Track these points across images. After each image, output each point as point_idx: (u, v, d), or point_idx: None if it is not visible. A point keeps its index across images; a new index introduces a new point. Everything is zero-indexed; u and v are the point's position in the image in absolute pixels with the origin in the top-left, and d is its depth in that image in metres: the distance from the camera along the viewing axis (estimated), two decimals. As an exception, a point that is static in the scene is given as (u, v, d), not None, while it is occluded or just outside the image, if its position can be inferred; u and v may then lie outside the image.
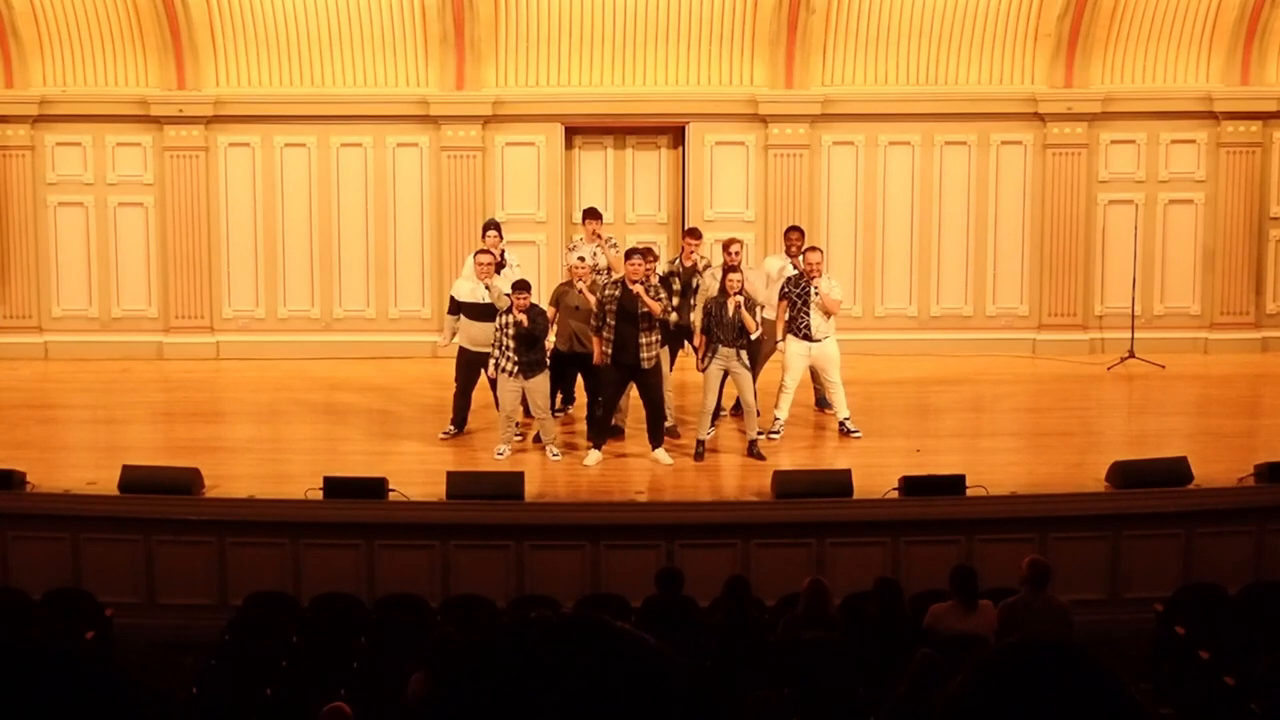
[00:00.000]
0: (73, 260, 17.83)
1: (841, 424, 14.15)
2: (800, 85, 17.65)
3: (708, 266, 14.28)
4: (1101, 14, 17.51)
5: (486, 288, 13.66)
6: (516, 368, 13.15)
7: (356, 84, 17.72)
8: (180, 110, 17.52)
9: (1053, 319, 17.95)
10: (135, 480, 12.18)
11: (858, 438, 14.00)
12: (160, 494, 12.12)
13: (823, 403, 14.82)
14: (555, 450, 13.44)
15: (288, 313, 17.89)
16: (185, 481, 12.23)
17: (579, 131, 18.04)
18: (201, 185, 17.67)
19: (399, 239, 17.84)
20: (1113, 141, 17.94)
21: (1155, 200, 18.00)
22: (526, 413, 13.71)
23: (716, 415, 13.88)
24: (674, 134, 18.09)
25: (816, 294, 13.70)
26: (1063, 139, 17.84)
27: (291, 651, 10.16)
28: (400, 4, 17.36)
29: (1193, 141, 17.97)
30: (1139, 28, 17.74)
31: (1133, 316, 17.15)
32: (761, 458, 13.25)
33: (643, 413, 13.36)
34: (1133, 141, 17.96)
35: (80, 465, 13.54)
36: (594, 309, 13.26)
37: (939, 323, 17.99)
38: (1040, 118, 17.80)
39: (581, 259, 13.83)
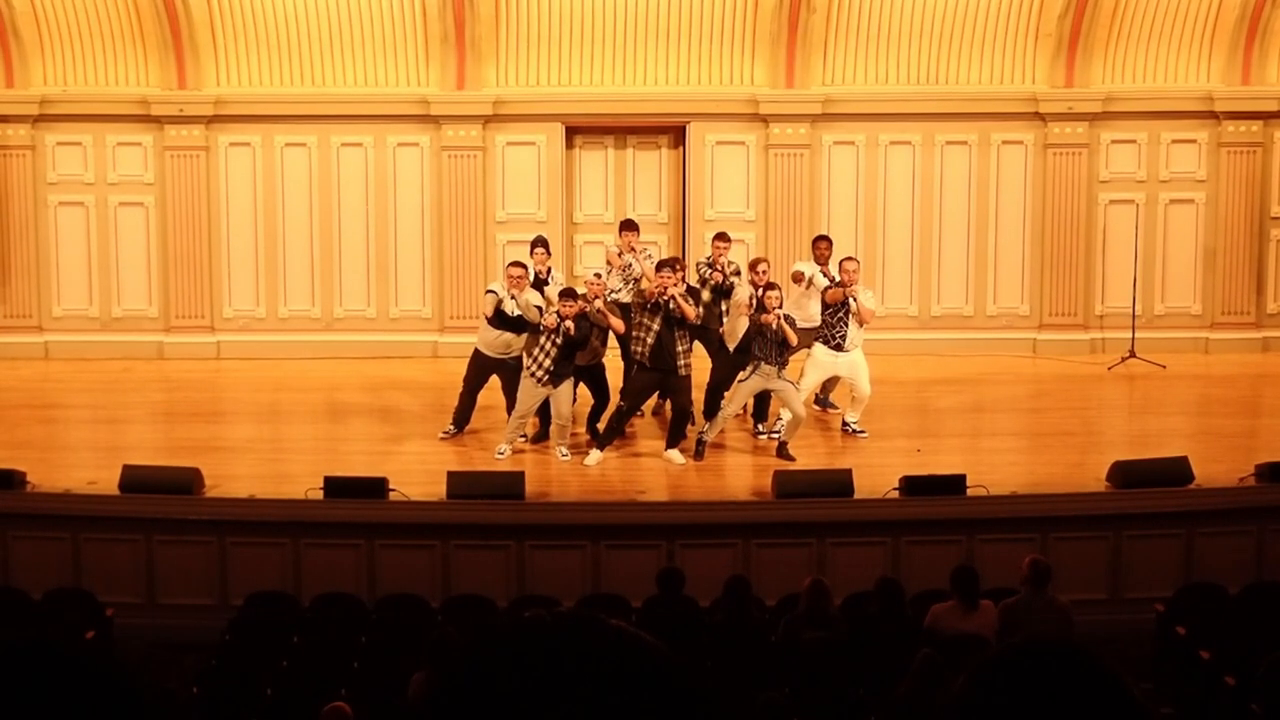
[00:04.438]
0: (73, 260, 17.83)
1: (846, 424, 14.15)
2: (801, 85, 17.65)
3: (736, 273, 14.23)
4: (1102, 14, 17.51)
5: (513, 298, 13.60)
6: (548, 376, 13.14)
7: (357, 84, 17.72)
8: (181, 110, 17.52)
9: (1053, 319, 17.96)
10: (135, 480, 12.18)
11: (864, 437, 14.01)
12: (160, 494, 12.11)
13: (824, 403, 14.82)
14: (565, 450, 13.44)
15: (288, 312, 17.89)
16: (185, 481, 12.23)
17: (579, 131, 18.04)
18: (202, 185, 17.67)
19: (400, 239, 17.84)
20: (1113, 141, 17.94)
21: (1156, 200, 18.00)
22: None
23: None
24: (674, 134, 18.09)
25: (854, 302, 13.68)
26: (1063, 139, 17.84)
27: (291, 651, 10.16)
28: (400, 4, 17.36)
29: (1193, 141, 17.97)
30: (1140, 27, 17.74)
31: (1133, 316, 17.15)
32: (791, 458, 13.25)
33: (641, 415, 13.39)
34: (1133, 141, 17.96)
35: (80, 465, 13.53)
36: (621, 325, 13.32)
37: (940, 322, 18.00)
38: (1041, 117, 17.80)
39: (598, 275, 13.82)
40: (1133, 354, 16.94)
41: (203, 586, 11.97)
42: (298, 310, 17.90)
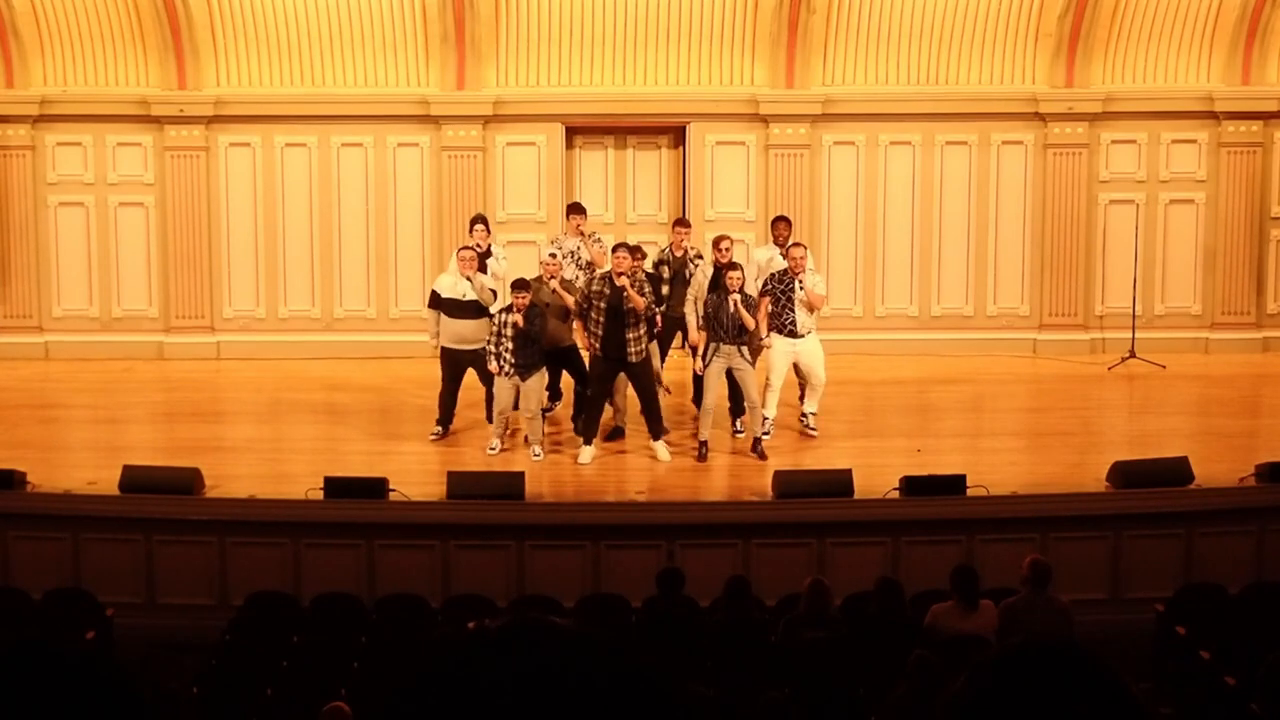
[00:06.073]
0: (73, 260, 17.83)
1: (803, 415, 14.02)
2: (801, 85, 17.65)
3: (699, 257, 14.25)
4: (1102, 14, 17.51)
5: (468, 280, 13.68)
6: (513, 369, 13.15)
7: (357, 84, 17.72)
8: (181, 110, 17.53)
9: (1053, 319, 17.95)
10: (135, 480, 12.18)
11: (814, 435, 13.90)
12: (160, 494, 12.11)
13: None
14: (538, 450, 13.40)
15: (288, 313, 17.89)
16: (185, 481, 12.23)
17: (579, 131, 18.04)
18: (202, 185, 17.67)
19: (400, 239, 17.84)
20: (1113, 141, 17.94)
21: (1156, 200, 18.00)
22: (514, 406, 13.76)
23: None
24: (674, 134, 18.09)
25: (800, 289, 13.62)
26: (1063, 139, 17.84)
27: (291, 651, 10.16)
28: (400, 4, 17.36)
29: (1194, 141, 17.96)
30: (1140, 27, 17.74)
31: (1133, 316, 17.15)
32: (764, 457, 13.23)
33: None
34: (1133, 141, 17.96)
35: (80, 465, 13.53)
36: (573, 304, 13.28)
37: (940, 322, 17.99)
38: (1041, 117, 17.80)
39: (552, 255, 13.88)
40: (1133, 354, 16.93)
41: (203, 586, 11.97)
42: (298, 310, 17.90)
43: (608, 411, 13.69)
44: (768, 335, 13.65)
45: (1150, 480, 12.29)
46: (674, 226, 14.82)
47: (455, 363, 13.83)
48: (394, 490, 12.14)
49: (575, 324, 13.53)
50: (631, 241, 15.07)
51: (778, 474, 12.43)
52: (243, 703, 9.39)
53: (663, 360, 14.18)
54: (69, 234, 17.81)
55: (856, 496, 12.09)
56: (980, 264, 18.01)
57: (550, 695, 1.66)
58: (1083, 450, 13.81)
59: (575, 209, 14.98)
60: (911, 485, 12.12)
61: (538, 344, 13.20)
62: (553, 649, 1.69)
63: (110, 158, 17.74)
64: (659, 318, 13.56)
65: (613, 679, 1.68)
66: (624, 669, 1.69)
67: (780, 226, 14.65)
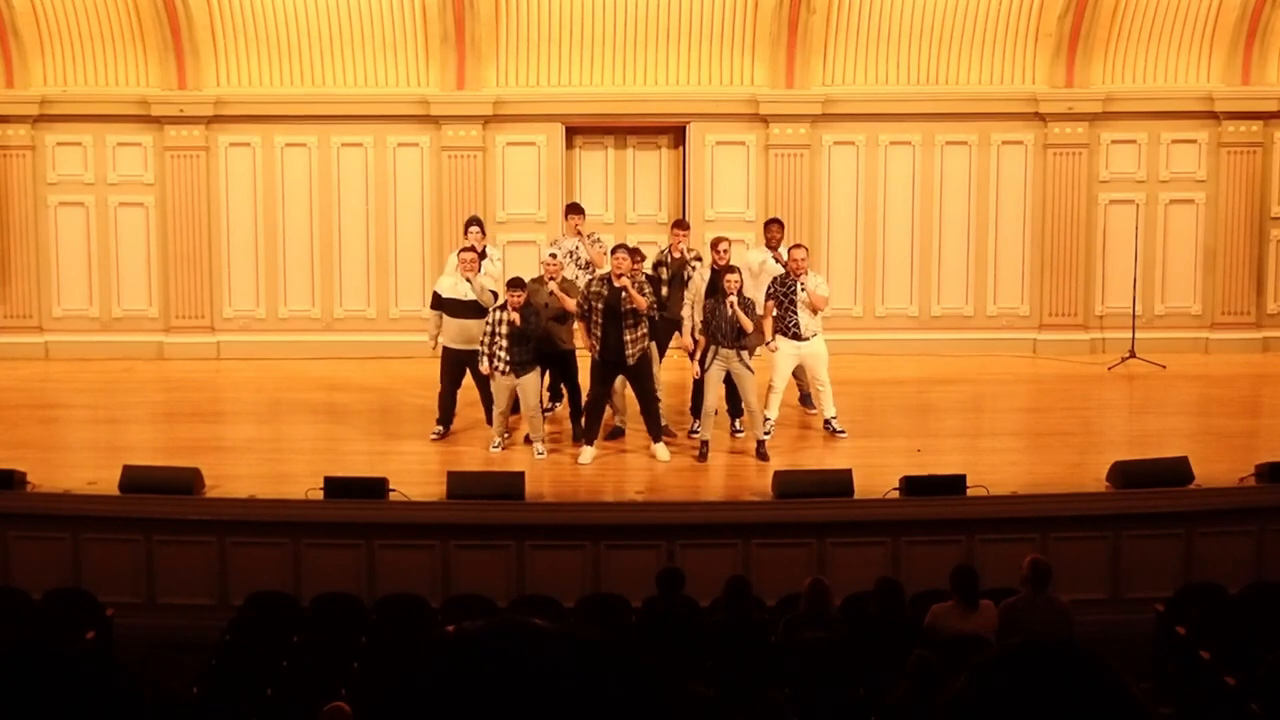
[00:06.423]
0: (73, 260, 17.83)
1: (827, 423, 14.02)
2: (801, 85, 17.65)
3: (698, 259, 14.22)
4: (1102, 14, 17.51)
5: (468, 281, 13.71)
6: (508, 366, 13.16)
7: (357, 84, 17.73)
8: (181, 110, 17.53)
9: (1053, 319, 17.95)
10: (135, 480, 12.18)
11: (844, 437, 13.92)
12: (160, 494, 12.11)
13: (808, 400, 14.71)
14: (540, 448, 13.40)
15: (288, 313, 17.90)
16: (185, 481, 12.23)
17: (579, 131, 18.04)
18: (202, 185, 17.67)
19: (400, 239, 17.84)
20: (1113, 141, 17.94)
21: (1156, 200, 18.00)
22: (515, 410, 13.75)
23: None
24: (674, 134, 18.08)
25: (803, 290, 13.59)
26: (1063, 139, 17.84)
27: (291, 651, 10.16)
28: (400, 4, 17.37)
29: (1194, 141, 17.96)
30: (1140, 27, 17.74)
31: (1133, 316, 17.15)
32: (766, 459, 13.22)
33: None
34: (1133, 141, 17.96)
35: (80, 465, 13.53)
36: (574, 306, 13.29)
37: (940, 322, 17.99)
38: (1041, 117, 17.80)
39: (553, 255, 13.90)
40: (1133, 354, 16.93)
41: (203, 586, 11.97)
42: (298, 310, 17.90)
43: (607, 412, 13.70)
44: (773, 339, 13.63)
45: (1150, 480, 12.30)
46: (672, 228, 14.81)
47: (456, 362, 13.84)
48: (394, 490, 12.14)
49: (578, 325, 13.54)
50: (632, 242, 15.08)
51: (778, 474, 12.43)
52: (243, 703, 9.39)
53: (660, 360, 14.19)
54: (69, 234, 17.81)
55: (856, 496, 12.09)
56: (980, 264, 18.01)
57: (532, 695, 1.65)
58: (1083, 450, 13.81)
59: (574, 209, 15.01)
60: (911, 485, 12.12)
61: (532, 342, 13.20)
62: (533, 649, 1.69)
63: (110, 158, 17.75)
64: (656, 317, 13.56)
65: (596, 677, 1.68)
66: (607, 667, 1.69)
67: (773, 229, 14.62)
